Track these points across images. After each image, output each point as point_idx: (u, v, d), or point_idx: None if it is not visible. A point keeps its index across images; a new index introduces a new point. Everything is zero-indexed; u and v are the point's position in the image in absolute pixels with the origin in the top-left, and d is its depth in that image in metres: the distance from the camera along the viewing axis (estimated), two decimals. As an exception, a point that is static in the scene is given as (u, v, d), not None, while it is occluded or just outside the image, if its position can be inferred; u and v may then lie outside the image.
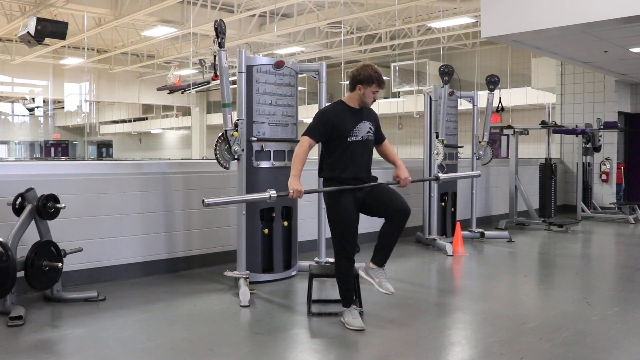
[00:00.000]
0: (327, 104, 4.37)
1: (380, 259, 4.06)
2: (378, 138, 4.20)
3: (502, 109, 8.11)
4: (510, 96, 17.06)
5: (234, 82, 5.27)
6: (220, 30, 4.81)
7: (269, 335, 3.84)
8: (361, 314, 4.15)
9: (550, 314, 4.38)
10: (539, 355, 3.53)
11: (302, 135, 4.01)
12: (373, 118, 4.16)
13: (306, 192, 3.93)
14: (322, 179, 4.15)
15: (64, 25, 13.47)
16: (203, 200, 3.71)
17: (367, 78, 3.98)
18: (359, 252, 4.93)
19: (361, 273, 4.12)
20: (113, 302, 4.55)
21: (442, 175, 4.53)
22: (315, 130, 3.98)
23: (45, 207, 4.34)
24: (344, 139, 3.98)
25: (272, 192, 3.84)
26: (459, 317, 4.42)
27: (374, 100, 4.09)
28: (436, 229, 7.23)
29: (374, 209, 4.06)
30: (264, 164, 5.16)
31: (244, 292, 4.53)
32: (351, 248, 3.99)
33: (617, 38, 7.49)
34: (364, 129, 4.04)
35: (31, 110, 31.77)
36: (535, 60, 13.05)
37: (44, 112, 32.82)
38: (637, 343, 3.80)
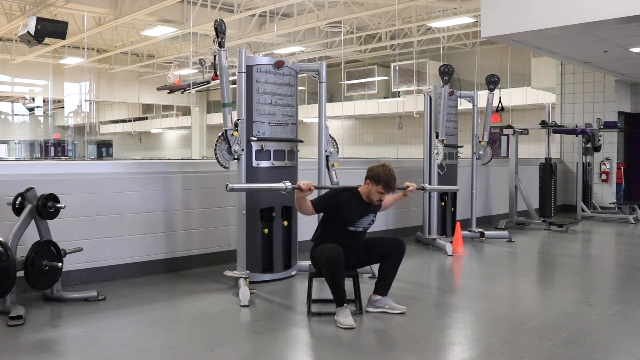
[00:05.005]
0: (345, 188, 4.41)
1: (383, 289, 4.28)
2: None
3: (502, 108, 8.10)
4: (510, 96, 17.05)
5: (233, 82, 5.27)
6: (220, 30, 4.81)
7: (269, 335, 3.84)
8: (360, 314, 4.19)
9: (550, 314, 4.38)
10: (538, 355, 3.53)
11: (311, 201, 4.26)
12: (377, 208, 4.37)
13: (316, 188, 4.26)
14: (313, 242, 4.35)
15: (64, 24, 13.45)
16: (227, 185, 4.16)
17: (376, 177, 4.15)
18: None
19: (369, 309, 4.27)
20: (113, 302, 4.55)
21: (427, 187, 5.07)
22: (319, 205, 4.25)
23: (45, 207, 4.34)
24: (345, 226, 4.20)
25: (288, 184, 4.19)
26: (459, 316, 4.43)
27: (380, 201, 4.25)
28: (436, 229, 7.23)
29: (369, 260, 4.39)
30: (264, 164, 5.15)
31: (244, 291, 4.53)
32: (333, 256, 4.01)
33: (617, 38, 7.49)
34: (366, 221, 4.28)
35: (31, 109, 31.73)
36: (535, 60, 13.04)
37: (44, 112, 32.79)
38: (637, 343, 3.80)
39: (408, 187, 4.53)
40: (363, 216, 4.23)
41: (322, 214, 4.40)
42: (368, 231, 4.38)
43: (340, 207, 4.19)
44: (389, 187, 4.14)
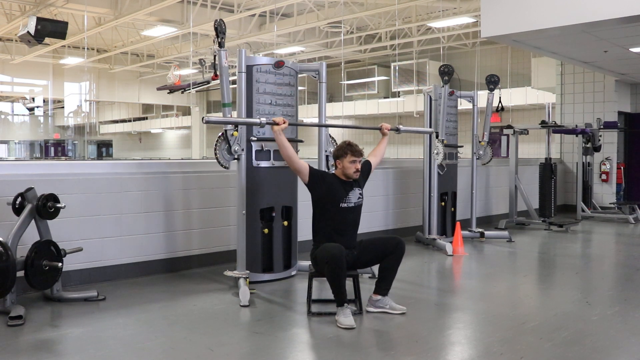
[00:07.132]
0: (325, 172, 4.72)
1: (384, 289, 4.28)
2: (370, 168, 4.63)
3: (502, 108, 8.10)
4: (510, 96, 17.05)
5: (234, 82, 5.27)
6: (220, 30, 4.81)
7: (269, 335, 3.84)
8: (360, 314, 4.19)
9: (550, 314, 4.38)
10: (538, 355, 3.53)
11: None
12: (362, 176, 4.47)
13: (291, 124, 4.40)
14: (313, 241, 4.38)
15: (64, 24, 13.46)
16: (203, 118, 4.25)
17: (340, 151, 4.36)
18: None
19: (369, 309, 4.28)
20: (113, 302, 4.56)
21: (402, 127, 5.08)
22: (313, 169, 4.36)
23: (45, 207, 4.34)
24: (337, 204, 4.28)
25: (263, 119, 4.40)
26: (459, 316, 4.43)
27: (357, 171, 4.35)
28: (436, 229, 7.22)
29: (369, 260, 4.39)
30: (264, 164, 5.16)
31: (244, 291, 4.53)
32: (335, 254, 4.00)
33: (617, 38, 7.49)
34: (355, 195, 4.38)
35: (31, 109, 31.74)
36: (535, 60, 13.05)
37: (44, 112, 32.79)
38: (637, 343, 3.80)
39: (382, 126, 4.75)
40: (349, 191, 4.35)
41: (313, 213, 4.39)
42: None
43: (328, 186, 4.32)
44: (356, 152, 4.31)
